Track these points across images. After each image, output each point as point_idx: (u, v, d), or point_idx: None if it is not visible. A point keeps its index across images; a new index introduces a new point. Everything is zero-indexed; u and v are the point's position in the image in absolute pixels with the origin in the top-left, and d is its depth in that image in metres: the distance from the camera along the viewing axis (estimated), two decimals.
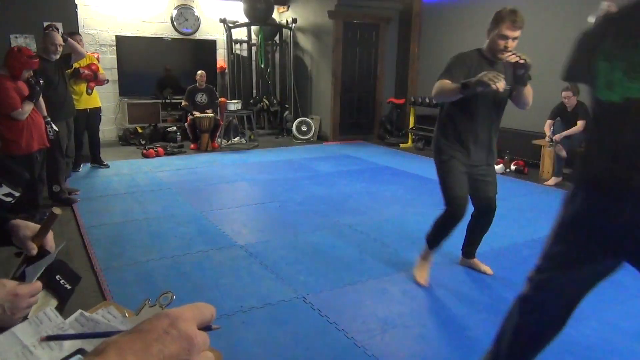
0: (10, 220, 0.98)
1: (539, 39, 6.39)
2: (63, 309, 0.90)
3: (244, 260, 3.36)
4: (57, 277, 0.91)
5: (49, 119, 4.10)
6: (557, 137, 5.52)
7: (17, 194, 1.05)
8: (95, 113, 5.83)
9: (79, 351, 0.68)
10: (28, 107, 3.67)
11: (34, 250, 0.92)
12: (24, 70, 3.64)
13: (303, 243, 3.70)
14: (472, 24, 7.28)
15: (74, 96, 5.45)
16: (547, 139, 5.72)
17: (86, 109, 5.60)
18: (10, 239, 0.98)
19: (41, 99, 4.04)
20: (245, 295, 2.85)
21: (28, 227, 0.96)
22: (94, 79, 5.54)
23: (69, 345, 0.70)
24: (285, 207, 4.61)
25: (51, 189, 4.46)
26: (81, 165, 5.90)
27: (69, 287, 0.93)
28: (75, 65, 5.31)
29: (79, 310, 0.80)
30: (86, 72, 5.48)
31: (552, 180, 5.63)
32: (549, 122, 5.70)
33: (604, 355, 2.31)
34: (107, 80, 5.91)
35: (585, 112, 5.44)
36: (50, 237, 0.97)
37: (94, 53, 7.04)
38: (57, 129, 4.18)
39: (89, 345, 0.71)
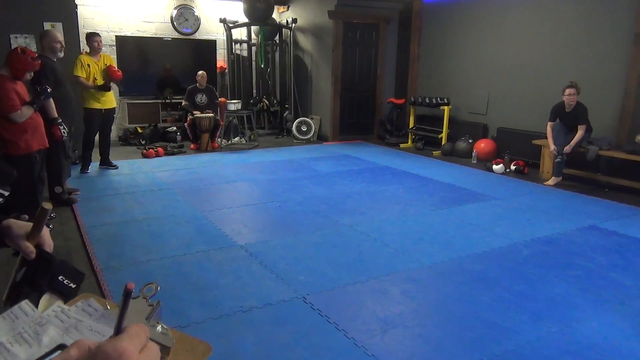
0: (1, 221, 0.93)
1: (539, 39, 6.39)
2: None
3: (244, 260, 3.36)
4: (60, 277, 0.89)
5: (60, 120, 4.09)
6: (567, 148, 5.41)
7: (6, 193, 1.01)
8: (110, 113, 5.85)
9: (60, 347, 0.67)
10: (27, 112, 3.65)
11: (32, 253, 0.89)
12: (27, 72, 3.64)
13: (303, 243, 3.70)
14: (472, 24, 7.28)
15: (88, 97, 5.49)
16: (552, 150, 5.57)
17: (102, 109, 5.63)
18: (4, 241, 0.93)
19: (51, 100, 4.02)
20: (245, 295, 2.85)
21: (20, 226, 0.91)
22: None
23: (48, 341, 0.68)
24: (285, 207, 4.61)
25: (53, 190, 4.45)
26: (89, 167, 5.87)
27: (73, 286, 0.91)
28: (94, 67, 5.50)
29: (57, 304, 0.77)
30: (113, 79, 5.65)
31: (552, 180, 5.62)
32: (550, 124, 5.63)
33: (604, 355, 2.31)
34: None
35: (584, 115, 5.41)
36: (46, 235, 0.93)
37: None
38: (67, 130, 4.19)
39: (69, 339, 0.69)
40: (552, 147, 5.55)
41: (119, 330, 0.55)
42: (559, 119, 5.59)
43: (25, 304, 0.72)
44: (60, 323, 0.71)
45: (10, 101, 3.53)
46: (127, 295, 0.57)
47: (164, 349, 0.77)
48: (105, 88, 5.55)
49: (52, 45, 4.38)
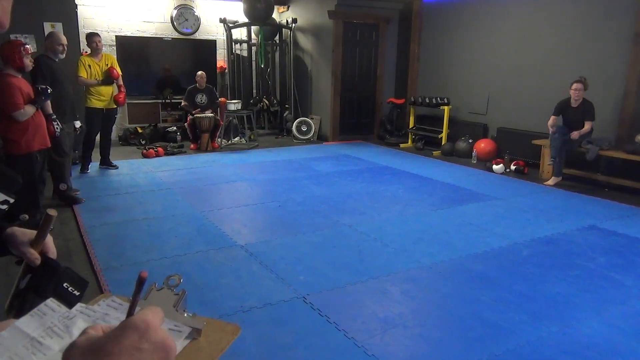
0: (6, 229, 0.93)
1: (539, 39, 6.39)
2: None
3: (244, 260, 3.36)
4: (65, 284, 0.89)
5: (54, 116, 4.11)
6: (575, 134, 5.40)
7: (11, 200, 1.01)
8: (112, 113, 5.86)
9: None
10: (30, 110, 3.66)
11: (37, 259, 0.89)
12: (23, 57, 3.64)
13: (303, 243, 3.70)
14: (472, 24, 7.28)
15: (90, 96, 5.50)
16: (551, 130, 5.60)
17: (103, 108, 5.64)
18: (7, 249, 0.93)
19: None
20: (245, 295, 2.85)
21: (24, 233, 0.91)
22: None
23: (78, 332, 0.70)
24: (285, 207, 4.61)
25: (58, 187, 4.47)
26: (89, 167, 5.87)
27: (77, 294, 0.91)
28: (96, 65, 5.54)
29: (79, 304, 0.79)
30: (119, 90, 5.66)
31: (552, 180, 5.62)
32: (553, 117, 5.63)
33: (604, 355, 2.31)
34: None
35: (591, 112, 5.41)
36: (50, 242, 0.93)
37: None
38: (62, 126, 4.20)
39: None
40: (551, 125, 5.59)
41: (131, 313, 0.56)
42: (564, 113, 5.56)
43: (51, 301, 0.74)
44: (87, 318, 0.74)
45: (14, 99, 3.55)
46: (140, 283, 0.59)
47: (196, 331, 0.80)
48: (107, 82, 5.56)
49: (54, 46, 4.44)
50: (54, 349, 0.65)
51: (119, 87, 5.73)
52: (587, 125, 5.40)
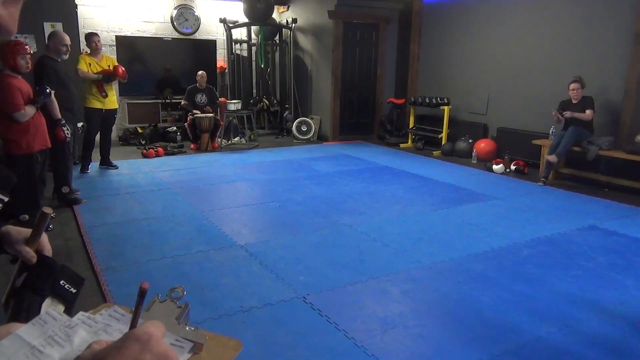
0: (0, 227, 0.93)
1: (539, 39, 6.39)
2: (71, 313, 0.89)
3: (244, 260, 3.36)
4: (62, 282, 0.89)
5: (63, 121, 4.09)
6: (567, 113, 5.42)
7: (5, 199, 1.01)
8: (111, 114, 5.85)
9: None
10: (30, 111, 3.65)
11: (33, 257, 0.89)
12: (17, 57, 3.60)
13: (303, 243, 3.70)
14: (472, 24, 7.28)
15: (90, 96, 5.49)
16: (554, 115, 5.60)
17: (102, 109, 5.63)
18: (2, 247, 0.93)
19: (54, 99, 4.02)
20: (245, 295, 2.85)
21: (19, 232, 0.91)
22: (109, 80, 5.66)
23: (79, 341, 0.70)
24: (285, 207, 4.61)
25: (60, 190, 4.46)
26: (89, 167, 5.87)
27: (74, 291, 0.91)
28: (95, 66, 5.52)
29: (80, 312, 0.79)
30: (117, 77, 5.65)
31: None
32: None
33: (604, 355, 2.31)
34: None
35: (591, 102, 5.42)
36: (45, 240, 0.93)
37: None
38: (71, 131, 4.19)
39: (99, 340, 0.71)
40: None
41: (134, 325, 0.57)
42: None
43: (52, 310, 0.74)
44: (88, 328, 0.74)
45: (14, 100, 3.54)
46: (142, 294, 0.59)
47: (198, 346, 0.80)
48: (108, 78, 5.54)
49: (58, 47, 4.39)
50: (54, 357, 0.64)
51: (113, 66, 5.67)
52: (588, 112, 5.39)
